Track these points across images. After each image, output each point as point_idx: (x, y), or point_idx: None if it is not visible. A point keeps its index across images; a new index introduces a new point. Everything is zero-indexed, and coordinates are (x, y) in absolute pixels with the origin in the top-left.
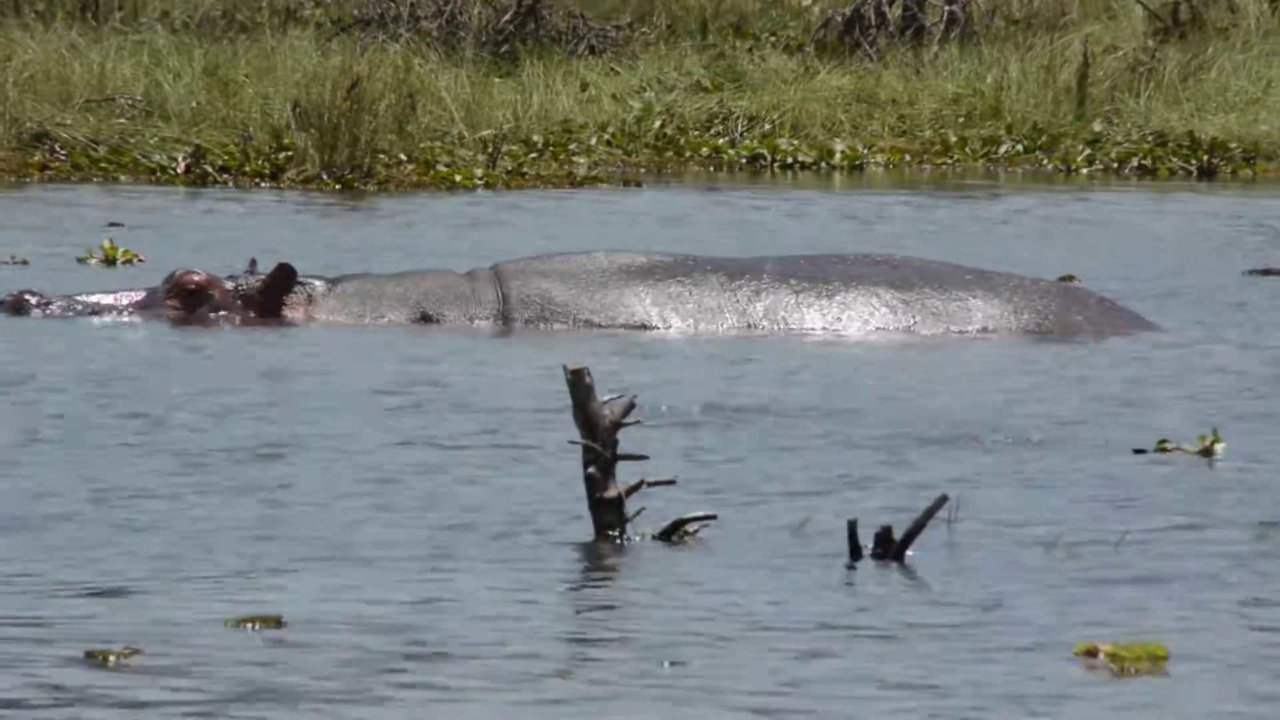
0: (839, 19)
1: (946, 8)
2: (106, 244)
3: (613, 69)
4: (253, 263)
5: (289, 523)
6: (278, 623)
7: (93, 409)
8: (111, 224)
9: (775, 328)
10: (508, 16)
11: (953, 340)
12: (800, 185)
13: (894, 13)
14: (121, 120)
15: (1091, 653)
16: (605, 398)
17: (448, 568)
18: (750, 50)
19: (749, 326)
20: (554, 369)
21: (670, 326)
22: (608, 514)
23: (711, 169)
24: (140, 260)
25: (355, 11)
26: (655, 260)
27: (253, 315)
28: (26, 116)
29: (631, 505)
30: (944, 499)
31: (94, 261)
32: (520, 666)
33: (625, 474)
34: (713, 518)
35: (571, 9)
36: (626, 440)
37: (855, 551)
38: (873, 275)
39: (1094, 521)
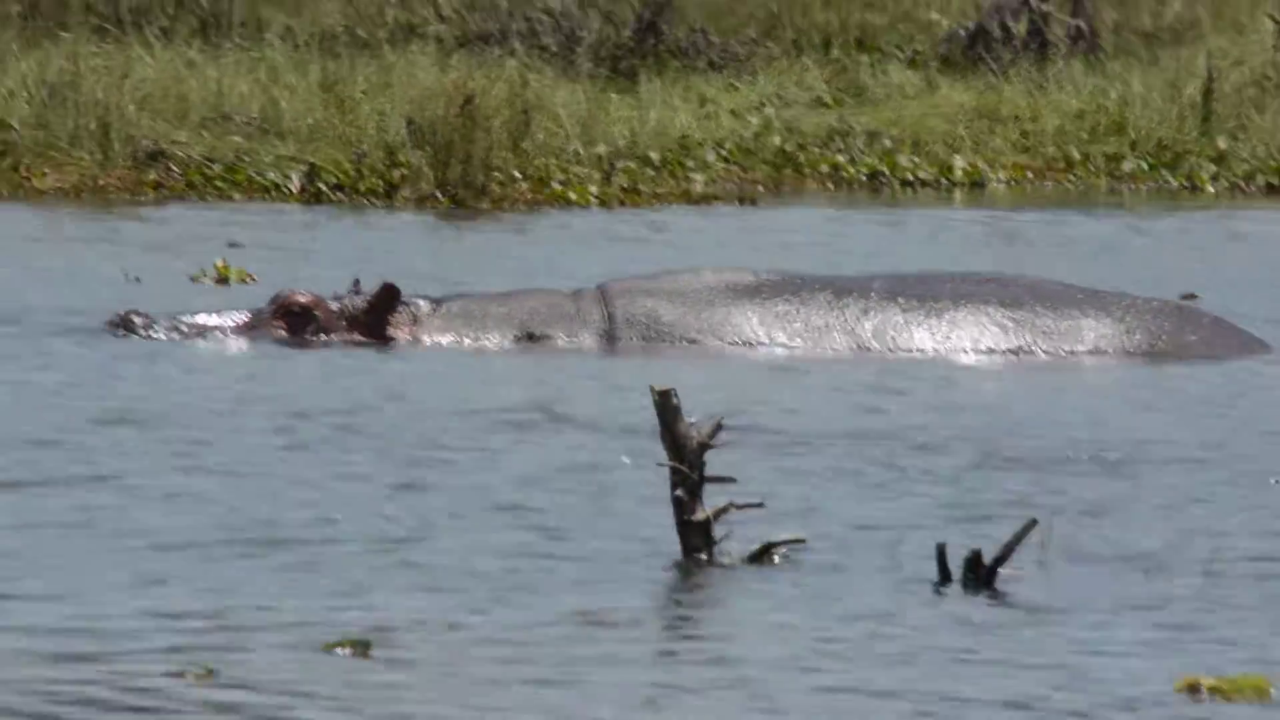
0: (963, 34)
1: (1072, 22)
2: (219, 263)
3: (732, 84)
4: (356, 282)
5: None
6: (366, 647)
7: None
8: (230, 244)
9: (883, 347)
10: (628, 32)
11: (1063, 360)
12: (920, 202)
13: (1019, 27)
14: (236, 138)
15: (1194, 688)
16: (692, 419)
17: (539, 588)
18: (873, 65)
19: (857, 345)
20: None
21: (777, 345)
22: (695, 537)
23: (830, 186)
24: (253, 280)
25: (473, 28)
26: (762, 278)
27: (357, 335)
28: (142, 134)
29: (720, 528)
30: (1033, 523)
31: (207, 280)
32: (608, 694)
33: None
34: (802, 541)
35: (693, 24)
36: (722, 462)
37: (945, 575)
38: (982, 293)
39: (1197, 548)
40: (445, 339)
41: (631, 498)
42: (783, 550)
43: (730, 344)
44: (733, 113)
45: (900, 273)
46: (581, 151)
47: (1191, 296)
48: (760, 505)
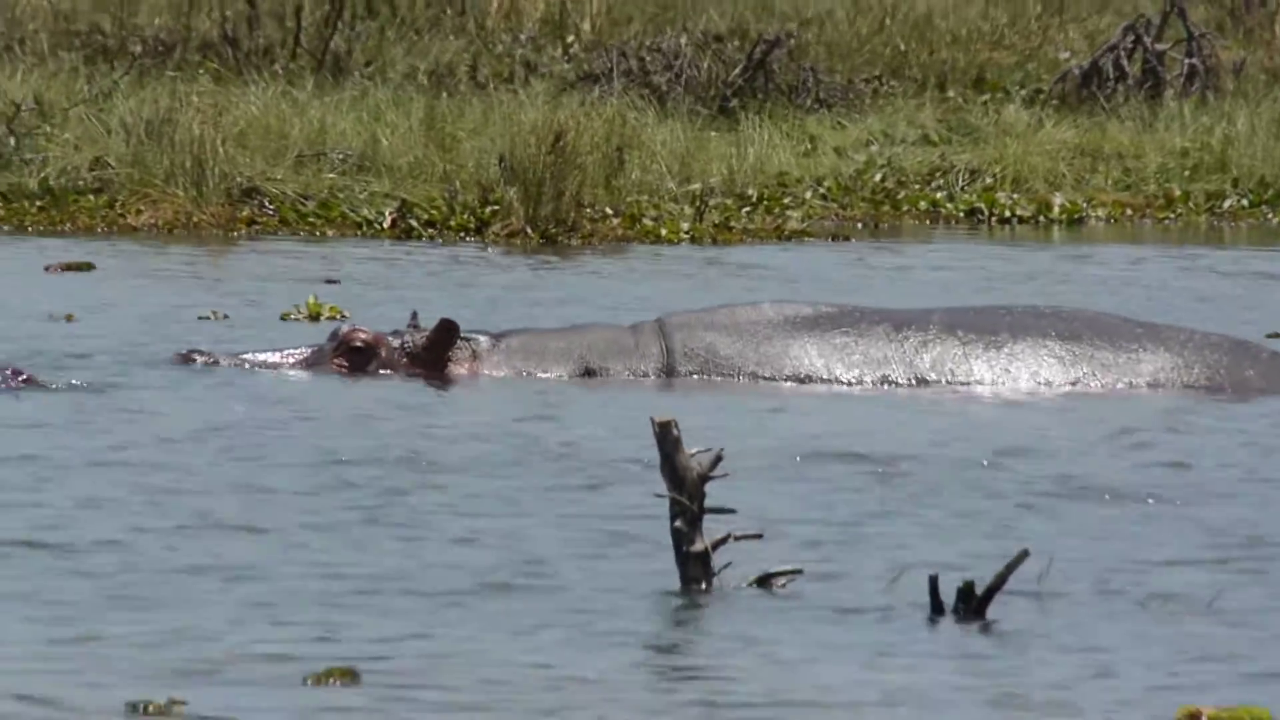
0: (1077, 72)
1: (1187, 61)
2: (311, 299)
3: (840, 123)
4: (414, 316)
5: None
6: (354, 677)
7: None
8: (328, 280)
9: (942, 379)
10: (737, 70)
11: (1119, 393)
12: (1018, 239)
13: (1133, 67)
14: (331, 175)
15: (1194, 717)
16: (694, 450)
17: (529, 621)
18: (986, 104)
19: (916, 378)
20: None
21: (836, 378)
22: (694, 568)
23: (928, 223)
24: (345, 316)
25: (585, 67)
26: (821, 311)
27: (418, 371)
28: (238, 172)
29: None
30: (1025, 554)
31: (299, 317)
32: None
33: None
34: (799, 572)
35: (803, 63)
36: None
37: (937, 607)
38: (1041, 326)
39: (1204, 583)
40: (505, 374)
41: (630, 526)
42: (781, 581)
43: (789, 377)
44: (836, 151)
45: (959, 306)
46: (675, 188)
47: (1277, 335)
48: (759, 536)
